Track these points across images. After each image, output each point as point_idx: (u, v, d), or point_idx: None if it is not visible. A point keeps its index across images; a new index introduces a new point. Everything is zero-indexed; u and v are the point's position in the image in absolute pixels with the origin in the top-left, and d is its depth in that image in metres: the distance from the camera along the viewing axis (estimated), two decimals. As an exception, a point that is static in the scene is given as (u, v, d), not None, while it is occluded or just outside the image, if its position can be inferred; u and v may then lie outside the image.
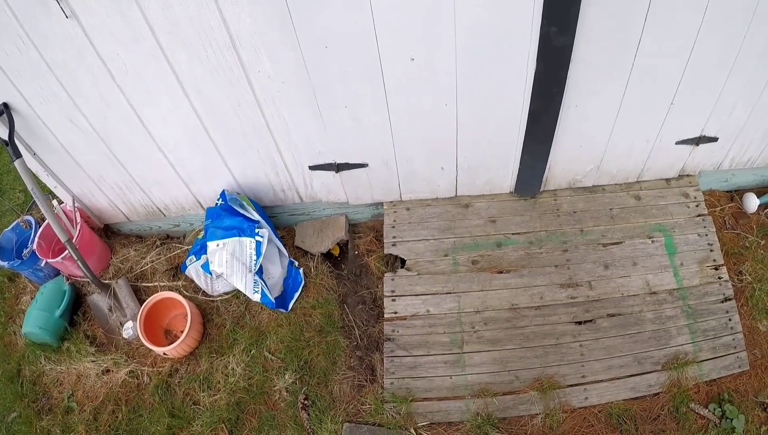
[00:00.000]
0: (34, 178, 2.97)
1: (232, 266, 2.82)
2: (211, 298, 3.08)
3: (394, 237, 2.89)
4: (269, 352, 2.87)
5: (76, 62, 2.37)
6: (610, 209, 2.88)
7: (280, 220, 3.11)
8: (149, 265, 3.29)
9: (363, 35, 2.15)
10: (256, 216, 2.90)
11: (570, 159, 2.72)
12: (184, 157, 2.88)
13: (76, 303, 3.50)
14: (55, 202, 3.48)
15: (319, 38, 2.17)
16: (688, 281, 2.81)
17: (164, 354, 2.96)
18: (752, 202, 3.02)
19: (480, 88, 2.38)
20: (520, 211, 2.89)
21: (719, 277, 2.81)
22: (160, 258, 3.30)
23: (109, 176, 3.09)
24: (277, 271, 2.90)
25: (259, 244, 2.81)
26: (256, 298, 2.85)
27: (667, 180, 2.98)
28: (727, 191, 3.18)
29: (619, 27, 2.16)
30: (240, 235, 2.84)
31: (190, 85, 2.42)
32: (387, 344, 2.73)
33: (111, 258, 3.52)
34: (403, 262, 2.85)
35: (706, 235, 2.89)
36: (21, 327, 3.57)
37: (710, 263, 2.85)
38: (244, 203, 2.94)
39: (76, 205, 3.40)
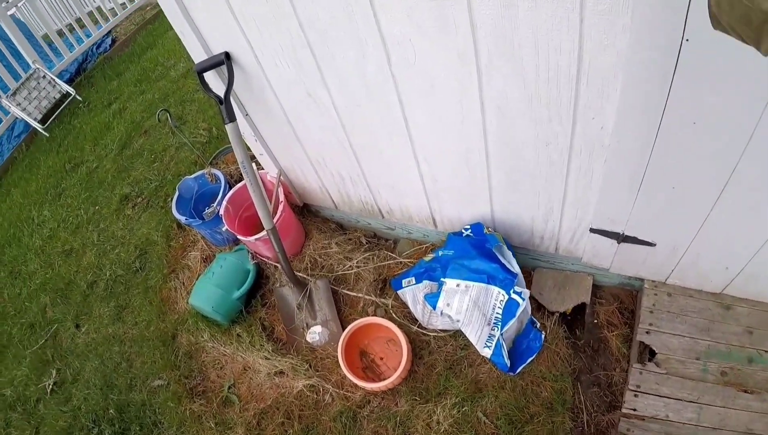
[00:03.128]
0: (246, 148, 2.51)
1: (471, 315, 2.45)
2: (423, 330, 2.62)
3: (650, 324, 2.56)
4: (484, 415, 2.48)
5: (344, 32, 1.91)
6: None
7: (518, 260, 2.68)
8: (354, 269, 2.78)
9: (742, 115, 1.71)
10: (515, 268, 2.45)
11: None
12: (441, 173, 2.47)
13: (256, 284, 3.00)
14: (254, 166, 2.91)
15: (690, 111, 1.73)
16: None
17: (363, 388, 2.50)
18: None
19: None
20: None
21: None
22: (367, 265, 2.81)
23: (334, 163, 2.68)
24: (513, 326, 2.45)
25: (513, 303, 2.38)
26: (486, 353, 2.50)
27: None
28: None
29: None
30: (489, 283, 2.39)
31: (493, 103, 1.97)
32: None
33: (305, 242, 2.97)
34: (652, 353, 2.46)
35: None
36: (189, 294, 3.07)
37: None
38: (503, 246, 2.46)
39: (281, 178, 2.83)
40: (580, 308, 2.76)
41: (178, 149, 3.99)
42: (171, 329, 3.12)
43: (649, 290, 2.69)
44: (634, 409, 2.53)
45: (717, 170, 1.98)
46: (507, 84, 1.88)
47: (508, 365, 2.51)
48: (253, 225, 3.23)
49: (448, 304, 2.46)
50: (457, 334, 2.68)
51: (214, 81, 2.41)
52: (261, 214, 2.59)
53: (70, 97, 6.11)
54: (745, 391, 2.56)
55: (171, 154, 4.01)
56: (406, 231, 2.99)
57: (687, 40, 1.52)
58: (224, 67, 2.32)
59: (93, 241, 3.95)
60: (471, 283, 2.46)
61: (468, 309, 2.45)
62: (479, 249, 2.49)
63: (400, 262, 2.88)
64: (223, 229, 3.07)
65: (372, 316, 2.77)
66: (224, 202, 3.00)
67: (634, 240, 2.43)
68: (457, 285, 2.48)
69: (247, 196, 3.10)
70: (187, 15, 2.12)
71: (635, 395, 2.54)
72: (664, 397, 2.54)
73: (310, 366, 2.74)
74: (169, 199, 3.73)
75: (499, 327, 2.47)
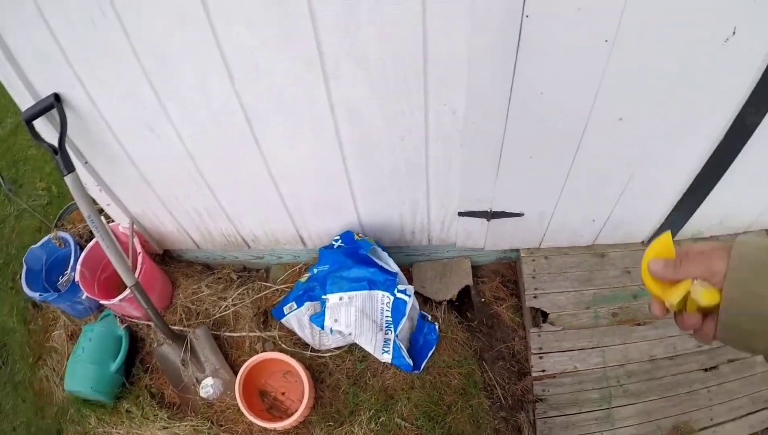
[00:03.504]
0: (91, 200, 2.28)
1: (361, 325, 2.36)
2: (317, 354, 2.48)
3: (535, 289, 2.57)
4: (402, 419, 2.38)
5: (182, 54, 1.74)
6: None
7: (395, 258, 2.60)
8: (231, 308, 2.58)
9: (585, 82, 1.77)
10: (394, 267, 2.35)
11: (705, 214, 2.56)
12: (301, 188, 2.35)
13: (132, 349, 2.78)
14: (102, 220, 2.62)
15: (537, 82, 1.75)
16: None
17: (275, 429, 2.33)
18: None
19: (663, 150, 2.13)
20: None
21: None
22: (244, 300, 2.61)
23: (189, 200, 2.48)
24: (405, 325, 2.37)
25: (401, 303, 2.29)
26: (387, 358, 2.41)
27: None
28: None
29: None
30: (371, 289, 2.28)
31: (343, 106, 1.89)
32: (539, 405, 2.52)
33: (174, 292, 2.73)
34: (544, 315, 2.48)
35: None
36: (62, 380, 2.70)
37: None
38: (377, 248, 2.36)
39: (134, 227, 2.58)
40: (465, 291, 2.75)
41: (18, 217, 3.55)
42: (54, 425, 2.77)
43: (527, 258, 2.72)
44: (543, 370, 2.55)
45: (569, 134, 2.00)
46: (356, 84, 1.79)
47: (412, 364, 2.42)
48: (114, 285, 2.92)
49: (336, 320, 2.34)
50: (353, 348, 2.56)
51: (47, 130, 2.10)
52: (120, 271, 2.33)
53: None
54: (638, 324, 2.64)
55: (11, 224, 3.56)
56: (275, 256, 2.83)
57: (527, 16, 1.51)
58: (55, 112, 2.02)
59: None
60: (354, 293, 2.34)
61: (357, 320, 2.33)
62: (354, 257, 2.37)
63: (277, 290, 2.71)
64: (83, 296, 2.75)
65: (261, 352, 2.58)
66: (78, 267, 2.68)
67: (503, 214, 2.43)
68: (340, 298, 2.35)
69: (102, 255, 2.79)
70: (10, 55, 1.82)
71: (540, 357, 2.56)
72: (567, 351, 2.57)
73: (213, 423, 2.52)
74: (18, 276, 3.32)
75: (393, 329, 2.38)
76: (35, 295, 2.73)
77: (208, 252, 2.81)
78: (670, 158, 2.20)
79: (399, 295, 2.34)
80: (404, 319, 2.34)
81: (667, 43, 1.63)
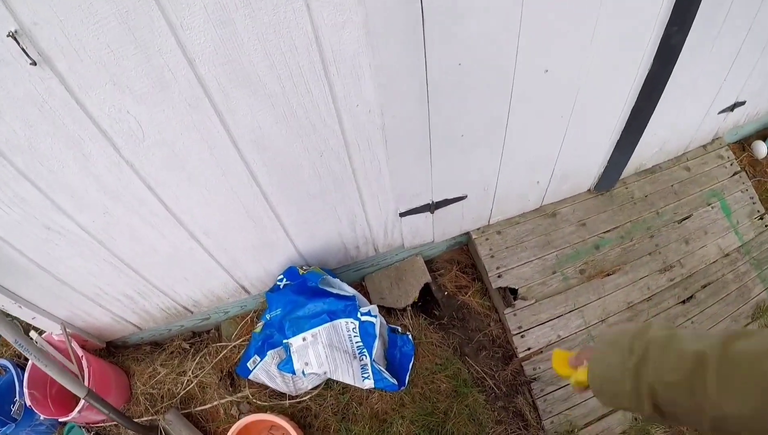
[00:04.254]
0: (14, 325, 1.99)
1: (334, 360, 2.20)
2: (296, 400, 2.29)
3: (497, 268, 2.45)
4: None
5: (52, 138, 1.50)
6: (672, 186, 2.81)
7: (343, 279, 2.43)
8: (194, 381, 2.37)
9: (503, 41, 1.66)
10: (349, 290, 2.20)
11: (647, 144, 2.51)
12: (227, 239, 2.14)
13: None
14: (33, 335, 2.38)
15: (452, 53, 1.63)
16: (746, 236, 2.86)
17: None
18: (762, 149, 3.06)
19: (594, 92, 2.05)
20: (602, 207, 2.66)
21: (766, 226, 2.89)
22: (204, 368, 2.40)
23: (114, 287, 2.25)
24: (378, 345, 2.23)
25: (368, 325, 2.14)
26: (368, 385, 2.26)
27: (704, 146, 3.00)
28: (736, 142, 3.26)
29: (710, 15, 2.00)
30: (332, 319, 2.12)
31: (246, 139, 1.69)
32: (534, 385, 2.41)
33: (130, 382, 2.50)
34: (513, 292, 2.35)
35: (746, 189, 3.00)
36: None
37: (756, 215, 2.94)
38: (326, 277, 2.20)
39: (68, 332, 2.35)
40: (425, 290, 2.59)
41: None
42: None
43: (479, 238, 2.59)
44: (528, 348, 2.43)
45: (496, 101, 1.89)
46: (254, 112, 1.60)
47: (396, 383, 2.26)
48: (69, 396, 2.67)
49: (306, 363, 2.16)
50: (330, 383, 2.38)
51: None
52: (67, 385, 2.08)
53: None
54: (608, 275, 2.56)
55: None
56: (222, 313, 2.62)
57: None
58: None
59: None
60: (316, 330, 2.17)
61: (327, 356, 2.16)
62: (304, 293, 2.20)
63: (235, 347, 2.50)
64: (41, 418, 2.49)
65: (239, 415, 2.38)
66: (25, 391, 2.42)
67: (446, 202, 2.30)
68: (303, 339, 2.17)
69: (44, 372, 2.54)
70: None
71: (522, 336, 2.44)
72: (546, 322, 2.46)
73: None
74: (-36, 416, 3.03)
75: (367, 354, 2.21)
76: (-10, 432, 2.47)
77: (151, 330, 2.57)
78: (603, 100, 2.13)
79: (364, 317, 2.18)
80: (376, 341, 2.18)
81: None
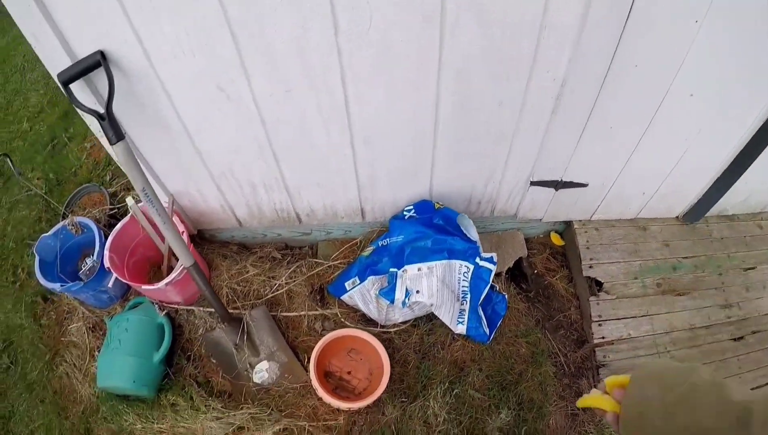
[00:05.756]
0: (144, 175, 1.94)
1: (442, 296, 2.22)
2: (383, 329, 2.31)
3: (590, 259, 2.55)
4: (475, 390, 2.24)
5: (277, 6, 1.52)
6: (744, 237, 2.98)
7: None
8: (285, 287, 2.36)
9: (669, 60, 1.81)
10: (474, 235, 2.25)
11: (736, 191, 2.63)
12: (381, 155, 2.15)
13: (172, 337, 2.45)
14: (129, 200, 2.34)
15: (632, 57, 1.76)
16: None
17: (349, 410, 2.14)
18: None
19: (718, 125, 2.16)
20: (685, 236, 2.83)
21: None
22: (295, 278, 2.38)
23: (246, 172, 2.23)
24: (486, 292, 2.32)
25: (484, 271, 2.20)
26: (460, 329, 2.29)
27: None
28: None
29: None
30: (450, 258, 2.16)
31: (453, 66, 1.74)
32: (602, 370, 2.47)
33: (211, 275, 2.48)
34: (599, 284, 2.45)
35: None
36: (87, 376, 2.41)
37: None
38: (465, 216, 2.27)
39: (174, 207, 2.34)
40: (517, 264, 2.66)
41: (12, 209, 3.10)
42: (81, 425, 2.39)
43: (580, 229, 2.69)
44: (603, 337, 2.51)
45: (645, 108, 2.00)
46: (472, 44, 1.65)
47: (489, 335, 2.31)
48: (143, 271, 2.61)
49: (418, 291, 2.17)
50: (418, 322, 2.41)
51: (84, 93, 1.80)
52: (178, 250, 2.04)
53: None
54: (679, 294, 2.67)
55: (3, 217, 3.11)
56: (324, 232, 2.62)
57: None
58: (95, 75, 1.73)
59: None
60: (433, 263, 2.20)
61: (438, 290, 2.19)
62: (431, 226, 2.23)
63: (331, 266, 2.50)
64: (109, 285, 2.42)
65: (322, 331, 2.38)
66: (106, 252, 2.36)
67: (570, 184, 2.38)
68: (419, 269, 2.20)
69: (130, 239, 2.49)
70: (45, 10, 1.53)
71: (599, 325, 2.52)
72: (622, 318, 2.55)
73: (272, 409, 2.26)
74: (19, 270, 2.89)
75: (469, 300, 2.26)
76: (55, 286, 2.37)
77: (248, 230, 2.54)
78: (724, 135, 2.25)
79: (482, 263, 2.22)
80: (487, 288, 2.23)
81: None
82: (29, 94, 3.94)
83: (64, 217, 2.76)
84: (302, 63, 1.71)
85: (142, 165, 2.10)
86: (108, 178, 2.96)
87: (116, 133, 1.79)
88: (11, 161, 2.50)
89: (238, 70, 1.75)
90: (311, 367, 2.16)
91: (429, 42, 1.64)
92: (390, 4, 1.52)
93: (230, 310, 2.39)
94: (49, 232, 2.56)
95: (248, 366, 2.34)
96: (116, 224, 2.55)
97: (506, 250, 2.60)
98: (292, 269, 2.47)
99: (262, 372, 2.33)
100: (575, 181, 2.34)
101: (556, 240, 2.74)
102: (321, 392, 2.13)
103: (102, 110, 1.77)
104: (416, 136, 2.04)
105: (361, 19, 1.57)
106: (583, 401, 0.95)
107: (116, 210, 2.73)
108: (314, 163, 2.15)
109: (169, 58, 1.70)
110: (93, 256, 2.45)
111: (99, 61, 1.67)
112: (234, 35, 1.60)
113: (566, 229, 2.74)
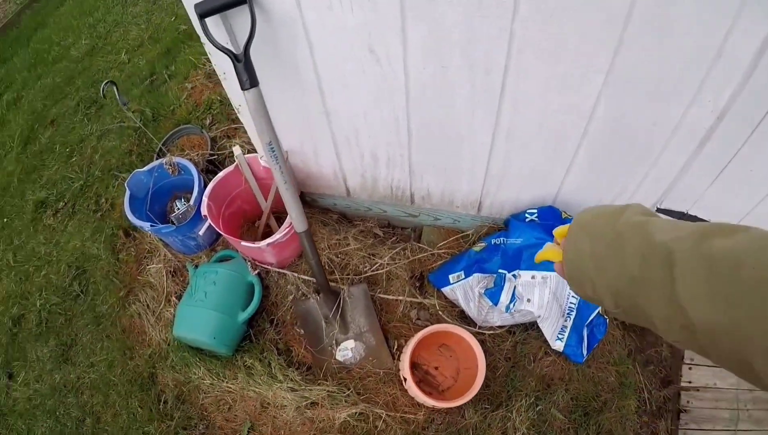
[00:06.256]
0: (272, 125, 1.85)
1: (550, 309, 2.12)
2: (478, 330, 2.22)
3: (693, 298, 2.35)
4: (558, 410, 2.14)
5: None
6: None
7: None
8: (386, 267, 2.26)
9: None
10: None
11: None
12: (518, 151, 2.01)
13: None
14: (237, 150, 2.25)
15: None
16: None
17: (434, 407, 2.06)
18: None
19: None
20: None
21: None
22: (397, 261, 2.28)
23: (372, 142, 2.10)
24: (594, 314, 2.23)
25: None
26: (558, 346, 2.19)
27: None
28: None
29: None
30: None
31: (620, 75, 1.59)
32: (683, 416, 2.37)
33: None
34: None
35: None
36: (160, 319, 2.38)
37: None
38: None
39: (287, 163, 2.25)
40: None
41: (101, 138, 3.01)
42: (146, 368, 2.31)
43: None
44: (690, 382, 2.40)
45: None
46: (645, 58, 1.51)
47: (585, 356, 2.21)
48: (236, 224, 2.52)
49: (528, 300, 2.07)
50: (514, 329, 2.31)
51: (219, 30, 1.69)
52: (294, 213, 1.95)
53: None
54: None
55: (92, 145, 3.02)
56: (432, 217, 2.48)
57: None
58: (231, 13, 1.62)
59: (8, 262, 2.86)
60: (548, 274, 2.09)
61: (549, 302, 2.08)
62: (553, 236, 2.12)
63: (434, 254, 2.40)
64: (200, 232, 2.34)
65: (416, 320, 2.28)
66: (204, 199, 2.26)
67: (694, 218, 2.24)
68: (533, 277, 2.09)
69: (230, 189, 2.39)
70: None
71: (689, 368, 2.41)
72: (712, 366, 2.44)
73: (350, 390, 2.18)
74: (102, 200, 2.81)
75: (572, 317, 2.16)
76: (144, 225, 2.28)
77: (354, 201, 2.43)
78: None
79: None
80: (598, 310, 2.13)
81: None
82: (129, 27, 3.86)
83: (159, 155, 2.67)
84: (468, 40, 1.59)
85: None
86: (207, 122, 2.86)
87: (251, 78, 1.68)
88: (117, 90, 2.40)
89: (397, 36, 1.62)
90: (406, 357, 2.07)
91: (604, 43, 1.51)
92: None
93: (335, 285, 2.30)
94: (144, 168, 2.47)
95: (334, 342, 2.25)
96: (213, 170, 2.46)
97: (608, 272, 2.49)
98: (396, 250, 2.36)
99: (347, 350, 2.24)
100: (699, 216, 2.23)
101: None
102: (411, 385, 2.03)
103: (238, 51, 1.67)
104: (561, 138, 1.92)
105: (544, 7, 1.45)
106: (540, 255, 0.96)
107: (216, 156, 2.63)
108: (448, 146, 2.03)
109: (322, 7, 1.58)
110: (189, 200, 2.36)
111: None
112: (402, -2, 1.48)
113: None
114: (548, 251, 0.93)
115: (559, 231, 0.92)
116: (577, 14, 1.44)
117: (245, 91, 1.71)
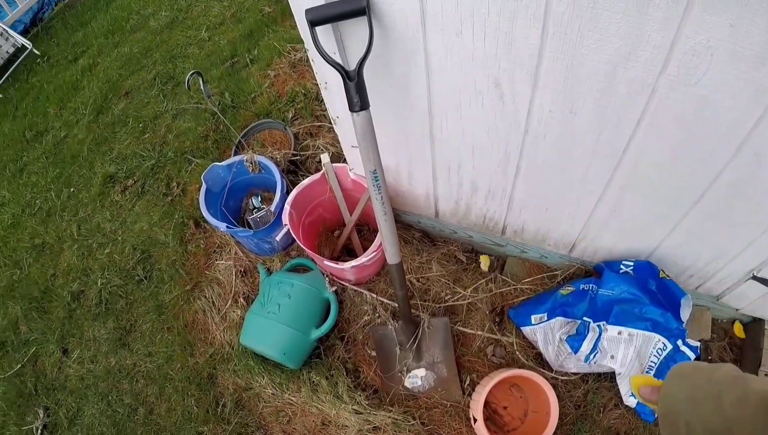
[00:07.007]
0: (378, 151, 1.72)
1: (632, 366, 1.98)
2: (552, 374, 2.14)
3: (771, 366, 2.25)
4: None
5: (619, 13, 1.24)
6: None
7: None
8: (467, 299, 2.17)
9: None
10: (686, 316, 2.05)
11: None
12: (632, 205, 1.88)
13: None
14: (325, 158, 2.15)
15: None
16: None
17: None
18: None
19: None
20: None
21: None
22: (479, 293, 2.19)
23: (474, 173, 2.00)
24: None
25: (681, 355, 1.99)
26: (630, 402, 2.11)
27: None
28: None
29: None
30: (653, 331, 1.97)
31: (752, 147, 1.45)
32: None
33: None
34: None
35: None
36: (225, 319, 2.31)
37: None
38: (689, 298, 2.12)
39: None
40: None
41: (176, 117, 2.91)
42: (206, 368, 2.25)
43: (769, 332, 2.45)
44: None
45: None
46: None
47: (655, 417, 2.12)
48: (315, 232, 2.43)
49: (612, 357, 1.98)
50: (587, 377, 2.22)
51: (330, 41, 1.58)
52: (388, 245, 1.85)
53: (26, 51, 4.57)
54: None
55: (166, 123, 2.93)
56: (519, 250, 2.39)
57: None
58: (344, 24, 1.50)
59: (71, 234, 2.81)
60: (635, 332, 1.99)
61: (631, 360, 1.99)
62: (647, 293, 2.02)
63: (517, 289, 2.30)
64: (278, 238, 2.25)
65: (491, 356, 2.20)
66: (287, 207, 2.17)
67: (791, 291, 2.12)
68: (619, 332, 2.00)
69: (313, 197, 2.29)
70: None
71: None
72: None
73: (414, 419, 2.11)
74: (174, 183, 2.73)
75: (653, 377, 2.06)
76: (219, 226, 2.20)
77: (440, 223, 2.33)
78: None
79: (683, 347, 2.00)
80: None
81: None
82: (211, 3, 3.71)
83: (237, 147, 2.57)
84: (604, 91, 1.46)
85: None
86: (289, 115, 2.75)
87: (362, 100, 1.56)
88: (202, 80, 2.30)
89: (528, 74, 1.50)
90: (480, 398, 1.99)
91: (750, 114, 1.37)
92: (732, 69, 1.26)
93: (416, 312, 2.21)
94: (223, 163, 2.38)
95: (405, 368, 2.18)
96: (294, 171, 2.36)
97: (691, 327, 2.38)
98: (480, 283, 2.26)
99: (416, 378, 2.17)
100: (798, 289, 2.11)
101: (739, 331, 2.52)
102: (481, 426, 1.95)
103: (349, 68, 1.55)
104: (675, 200, 1.80)
105: (696, 68, 1.31)
106: (638, 380, 1.03)
107: (298, 156, 2.53)
108: (554, 188, 1.93)
109: (450, 32, 1.46)
110: (267, 200, 2.27)
111: (364, 8, 1.41)
112: (546, 33, 1.35)
113: (752, 322, 2.51)
114: (646, 377, 1.06)
115: (637, 379, 1.03)
116: (727, 80, 1.30)
117: (354, 114, 1.59)
